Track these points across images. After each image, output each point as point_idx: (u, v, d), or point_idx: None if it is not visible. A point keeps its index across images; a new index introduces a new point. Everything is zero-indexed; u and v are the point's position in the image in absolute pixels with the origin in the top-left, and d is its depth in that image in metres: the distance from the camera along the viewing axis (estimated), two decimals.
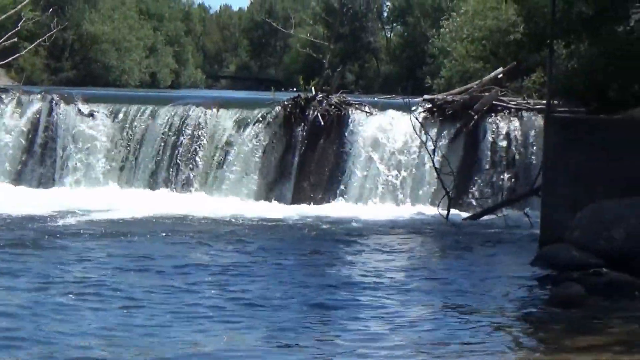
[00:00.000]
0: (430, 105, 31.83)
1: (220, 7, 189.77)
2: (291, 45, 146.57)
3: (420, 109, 31.68)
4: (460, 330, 15.96)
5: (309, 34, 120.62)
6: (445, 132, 30.72)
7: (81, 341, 15.28)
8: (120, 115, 33.93)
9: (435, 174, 29.97)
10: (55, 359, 13.48)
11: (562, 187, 23.34)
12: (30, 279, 20.12)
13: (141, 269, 22.16)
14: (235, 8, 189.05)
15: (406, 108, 31.79)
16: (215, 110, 33.58)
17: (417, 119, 30.63)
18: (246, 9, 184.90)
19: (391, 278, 21.09)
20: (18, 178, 33.38)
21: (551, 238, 22.31)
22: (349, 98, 34.34)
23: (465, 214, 29.18)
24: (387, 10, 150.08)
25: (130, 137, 33.08)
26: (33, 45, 33.12)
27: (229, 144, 32.32)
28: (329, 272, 22.20)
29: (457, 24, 60.60)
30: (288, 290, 19.47)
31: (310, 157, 31.53)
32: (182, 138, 32.66)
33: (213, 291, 19.23)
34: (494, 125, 30.12)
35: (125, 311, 17.49)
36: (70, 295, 18.51)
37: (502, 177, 29.70)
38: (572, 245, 20.59)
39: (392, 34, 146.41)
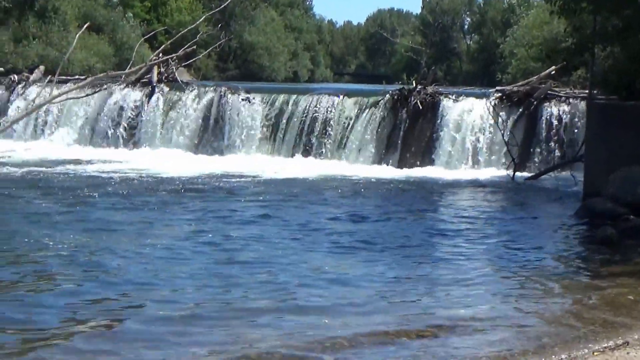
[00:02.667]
0: (500, 94, 32.93)
1: (343, 22, 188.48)
2: (397, 50, 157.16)
3: (493, 97, 32.73)
4: (523, 260, 16.83)
5: (410, 42, 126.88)
6: (511, 115, 31.82)
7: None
8: (271, 102, 35.24)
9: (504, 145, 31.11)
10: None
11: (600, 155, 23.71)
12: (206, 218, 21.35)
13: (296, 208, 23.31)
14: (355, 22, 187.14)
15: (482, 96, 33.50)
16: (341, 97, 34.73)
17: (490, 104, 32.07)
18: (363, 23, 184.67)
19: (472, 223, 21.42)
20: (197, 148, 35.18)
21: (591, 193, 22.92)
22: (440, 89, 35.37)
23: (527, 175, 30.21)
24: (468, 23, 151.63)
25: (278, 118, 34.61)
26: (207, 51, 33.07)
27: (351, 122, 33.58)
28: (425, 218, 22.59)
29: (520, 33, 62.32)
30: (395, 231, 19.91)
31: (411, 133, 32.77)
32: (317, 118, 33.88)
33: (339, 231, 19.71)
34: (548, 109, 31.43)
35: (286, 242, 18.36)
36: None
37: (554, 147, 30.96)
38: (607, 199, 21.10)
39: (471, 41, 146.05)
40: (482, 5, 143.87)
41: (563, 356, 10.19)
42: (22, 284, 13.88)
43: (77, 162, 31.74)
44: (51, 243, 17.14)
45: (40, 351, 10.63)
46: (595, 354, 10.08)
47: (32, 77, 41.08)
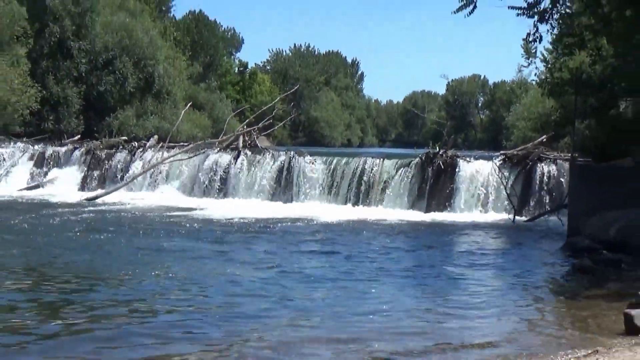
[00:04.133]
0: (503, 157, 33.23)
1: (386, 101, 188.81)
2: (426, 122, 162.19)
3: (498, 159, 32.89)
4: (520, 284, 16.78)
5: (436, 116, 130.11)
6: (512, 172, 31.87)
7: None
8: (329, 163, 35.21)
9: (507, 196, 31.09)
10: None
11: (580, 204, 23.59)
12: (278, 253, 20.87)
13: (346, 244, 23.00)
14: (394, 101, 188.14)
15: (489, 158, 33.79)
16: (381, 160, 34.81)
17: (496, 164, 32.21)
18: (401, 101, 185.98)
19: (482, 256, 21.36)
20: (272, 198, 34.99)
21: (573, 233, 22.72)
22: (457, 153, 35.37)
23: (524, 219, 30.11)
24: (481, 102, 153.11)
25: (334, 175, 34.47)
26: (281, 123, 33.38)
27: (389, 178, 33.53)
28: (445, 251, 22.59)
29: (520, 110, 62.69)
30: (424, 261, 20.00)
31: (435, 186, 32.63)
32: (365, 174, 33.72)
33: (375, 264, 19.40)
34: (540, 168, 31.48)
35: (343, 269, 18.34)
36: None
37: (545, 197, 30.94)
38: (586, 237, 21.03)
39: (483, 116, 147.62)
40: (492, 87, 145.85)
41: None
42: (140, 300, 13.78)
43: (181, 209, 31.87)
44: (168, 268, 17.46)
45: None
46: (572, 359, 9.91)
47: (148, 144, 41.53)
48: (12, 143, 46.03)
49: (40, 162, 41.18)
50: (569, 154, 28.19)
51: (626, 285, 15.07)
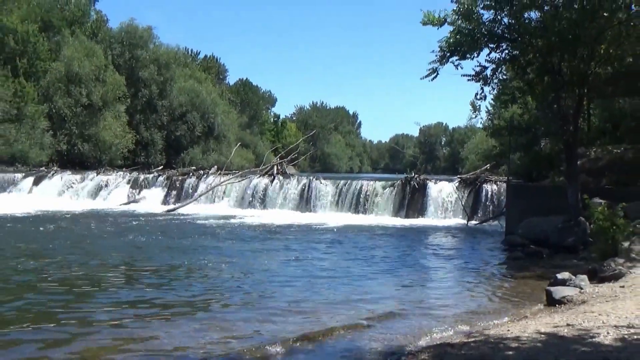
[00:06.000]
0: (460, 179, 32.97)
1: (377, 140, 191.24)
2: (405, 155, 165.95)
3: (456, 181, 32.79)
4: (469, 268, 16.66)
5: (412, 151, 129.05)
6: (466, 190, 31.60)
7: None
8: (337, 184, 34.91)
9: (462, 207, 30.94)
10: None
11: (513, 212, 23.45)
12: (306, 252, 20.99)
13: (348, 240, 23.11)
14: (383, 141, 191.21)
15: (450, 180, 33.75)
16: (374, 182, 34.90)
17: (454, 185, 32.23)
18: (387, 141, 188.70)
19: (444, 249, 21.23)
20: (297, 209, 34.54)
21: (509, 233, 22.45)
22: (427, 177, 34.80)
23: (474, 223, 29.76)
24: (443, 141, 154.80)
25: (340, 192, 34.14)
26: (303, 157, 33.44)
27: (379, 194, 33.28)
28: (419, 245, 22.21)
29: (471, 146, 63.05)
30: (402, 253, 19.54)
31: (412, 200, 32.25)
32: (362, 192, 33.59)
33: (368, 253, 19.39)
34: (486, 187, 31.17)
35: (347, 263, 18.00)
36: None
37: (489, 207, 30.61)
38: (518, 236, 20.81)
39: (445, 151, 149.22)
40: (451, 131, 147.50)
41: (488, 323, 9.99)
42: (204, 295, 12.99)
43: (232, 217, 31.62)
44: (228, 257, 17.57)
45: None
46: (508, 322, 9.83)
47: (210, 172, 41.64)
48: (115, 172, 46.28)
49: (135, 185, 41.28)
50: (506, 177, 28.03)
51: (547, 270, 14.90)
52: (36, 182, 43.69)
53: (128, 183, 41.52)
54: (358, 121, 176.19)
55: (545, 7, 19.31)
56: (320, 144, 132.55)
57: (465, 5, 19.38)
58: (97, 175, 44.11)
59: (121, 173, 44.87)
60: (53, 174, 44.89)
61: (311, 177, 37.35)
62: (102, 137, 70.07)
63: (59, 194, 41.90)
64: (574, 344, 7.42)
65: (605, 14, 18.18)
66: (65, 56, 69.78)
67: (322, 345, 8.80)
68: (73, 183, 43.04)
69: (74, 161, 65.12)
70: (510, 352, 7.26)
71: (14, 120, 62.77)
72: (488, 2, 19.33)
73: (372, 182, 34.93)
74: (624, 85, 23.14)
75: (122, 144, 72.40)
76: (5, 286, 12.78)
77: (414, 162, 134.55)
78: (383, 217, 31.74)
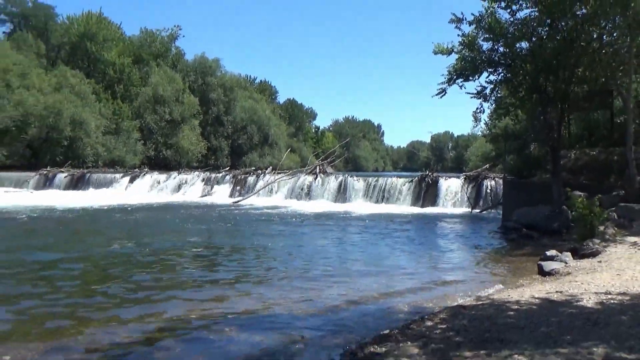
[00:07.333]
0: (465, 176, 32.45)
1: (398, 146, 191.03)
2: (420, 157, 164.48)
3: (462, 177, 32.24)
4: (473, 247, 16.49)
5: (425, 154, 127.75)
6: (470, 184, 31.03)
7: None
8: (366, 179, 34.64)
9: (466, 198, 30.52)
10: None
11: (509, 203, 23.02)
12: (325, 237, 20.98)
13: (374, 225, 22.61)
14: (402, 146, 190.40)
15: (457, 177, 33.12)
16: (396, 178, 34.22)
17: (461, 180, 31.71)
18: (405, 146, 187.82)
19: (451, 231, 20.88)
20: (334, 200, 34.06)
21: (505, 219, 22.12)
22: (439, 174, 34.13)
23: (477, 211, 29.23)
24: (450, 145, 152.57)
25: (369, 186, 33.69)
26: (339, 159, 33.35)
27: (399, 188, 32.68)
28: (433, 229, 22.06)
29: (473, 150, 61.92)
30: (418, 236, 19.22)
31: (427, 192, 31.66)
32: (386, 186, 33.13)
33: (391, 234, 19.09)
34: (486, 182, 30.58)
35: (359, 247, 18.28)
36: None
37: (489, 198, 30.01)
38: (512, 222, 20.12)
39: (452, 154, 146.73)
40: (456, 138, 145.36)
41: (492, 290, 9.89)
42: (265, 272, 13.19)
43: (285, 207, 31.56)
44: (283, 237, 17.32)
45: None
46: (508, 290, 9.71)
47: (266, 171, 41.69)
48: (192, 172, 46.66)
49: (207, 182, 41.52)
50: (502, 175, 27.72)
51: (537, 249, 14.62)
52: (131, 181, 44.31)
53: (202, 181, 41.80)
54: (381, 130, 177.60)
55: (533, 39, 19.45)
56: (352, 149, 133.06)
57: (469, 38, 19.63)
58: (178, 174, 44.48)
59: (197, 173, 45.23)
60: (144, 174, 45.46)
61: (346, 175, 36.99)
62: (181, 145, 71.05)
63: (148, 190, 42.43)
64: (563, 306, 7.38)
65: (582, 44, 18.53)
66: (152, 82, 71.02)
67: (360, 306, 8.75)
68: (159, 181, 43.44)
69: (160, 164, 66.10)
70: (512, 312, 7.23)
71: (114, 133, 64.19)
72: (487, 35, 19.54)
73: (394, 179, 34.49)
74: (597, 101, 22.96)
75: (196, 150, 73.40)
76: (113, 260, 12.97)
77: (427, 162, 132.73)
78: (403, 207, 31.30)
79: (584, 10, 18.10)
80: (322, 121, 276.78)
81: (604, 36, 18.96)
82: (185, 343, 6.85)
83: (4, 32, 70.85)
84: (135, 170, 49.08)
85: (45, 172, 48.75)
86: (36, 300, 8.82)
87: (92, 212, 27.09)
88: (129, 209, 29.27)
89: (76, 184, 45.62)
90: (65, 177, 46.72)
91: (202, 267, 12.40)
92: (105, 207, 29.66)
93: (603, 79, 20.11)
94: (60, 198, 36.04)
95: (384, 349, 6.04)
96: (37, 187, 45.96)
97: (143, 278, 10.86)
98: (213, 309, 8.47)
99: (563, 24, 18.71)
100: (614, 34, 18.76)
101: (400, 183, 33.44)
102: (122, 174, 46.28)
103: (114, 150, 62.65)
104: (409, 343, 6.15)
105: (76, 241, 16.74)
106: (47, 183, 46.67)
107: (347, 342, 6.77)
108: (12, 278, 10.68)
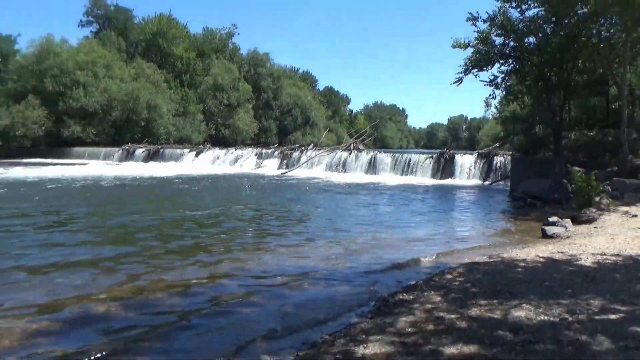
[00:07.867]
0: (477, 153, 31.59)
1: (419, 127, 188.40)
2: (439, 137, 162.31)
3: (475, 154, 31.44)
4: (485, 213, 16.12)
5: (443, 134, 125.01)
6: (482, 160, 30.27)
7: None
8: (394, 155, 33.94)
9: (479, 172, 29.82)
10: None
11: (516, 176, 22.47)
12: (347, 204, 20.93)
13: (399, 194, 22.24)
14: (424, 127, 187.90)
15: (471, 154, 32.04)
16: (418, 155, 33.63)
17: (474, 157, 30.95)
18: (425, 127, 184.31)
19: (466, 201, 20.41)
20: (366, 172, 33.54)
21: (513, 190, 21.81)
22: (455, 151, 33.19)
23: (488, 183, 28.50)
24: (464, 127, 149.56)
25: (396, 160, 33.14)
26: (369, 138, 32.92)
27: (421, 163, 32.03)
28: (449, 198, 21.46)
29: (484, 131, 60.48)
30: (436, 204, 18.49)
31: (445, 166, 30.93)
32: (410, 161, 32.61)
33: (414, 202, 18.79)
34: (496, 158, 29.74)
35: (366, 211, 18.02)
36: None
37: (498, 172, 29.09)
38: (520, 192, 20.10)
39: (466, 134, 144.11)
40: (470, 120, 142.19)
41: (502, 250, 9.77)
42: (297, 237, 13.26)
43: (324, 178, 31.40)
44: (321, 203, 17.28)
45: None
46: (516, 249, 9.63)
47: (308, 148, 41.53)
48: (246, 148, 46.94)
49: (259, 156, 41.73)
50: (510, 152, 27.14)
51: (541, 215, 14.34)
52: (197, 155, 45.00)
53: (255, 155, 42.01)
54: (405, 113, 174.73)
55: (540, 34, 19.30)
56: (380, 129, 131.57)
57: (483, 34, 19.46)
58: (235, 150, 44.85)
59: (250, 149, 45.54)
60: (207, 150, 46.07)
61: (375, 151, 36.58)
62: (237, 125, 71.59)
63: (211, 163, 43.00)
64: (564, 264, 7.29)
65: (583, 39, 18.30)
66: (213, 73, 71.58)
67: (390, 261, 8.70)
68: (219, 156, 43.85)
69: (220, 141, 66.82)
70: (519, 269, 7.16)
71: (182, 115, 65.07)
72: (499, 32, 19.43)
73: (417, 155, 34.00)
74: (595, 89, 22.68)
75: (250, 130, 73.85)
76: (182, 220, 13.11)
77: (444, 141, 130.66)
78: (425, 178, 30.92)
79: (585, 10, 17.74)
80: (355, 105, 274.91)
81: (602, 32, 18.60)
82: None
83: (91, 32, 72.19)
84: (199, 146, 49.75)
85: (126, 147, 50.21)
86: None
87: (165, 180, 27.66)
88: (196, 178, 29.56)
89: (152, 157, 46.82)
90: (143, 151, 48.05)
91: (258, 229, 12.34)
92: (175, 177, 30.17)
93: (600, 70, 19.80)
94: (139, 169, 37.05)
95: (411, 297, 6.12)
96: (121, 159, 47.71)
97: (210, 233, 11.07)
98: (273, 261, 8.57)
99: (566, 21, 18.42)
100: (611, 31, 18.35)
101: (422, 158, 32.98)
102: (189, 150, 46.99)
103: (182, 130, 63.73)
104: (432, 292, 6.23)
105: (153, 204, 17.09)
106: (128, 156, 48.19)
107: (381, 290, 6.85)
108: (104, 235, 11.02)
